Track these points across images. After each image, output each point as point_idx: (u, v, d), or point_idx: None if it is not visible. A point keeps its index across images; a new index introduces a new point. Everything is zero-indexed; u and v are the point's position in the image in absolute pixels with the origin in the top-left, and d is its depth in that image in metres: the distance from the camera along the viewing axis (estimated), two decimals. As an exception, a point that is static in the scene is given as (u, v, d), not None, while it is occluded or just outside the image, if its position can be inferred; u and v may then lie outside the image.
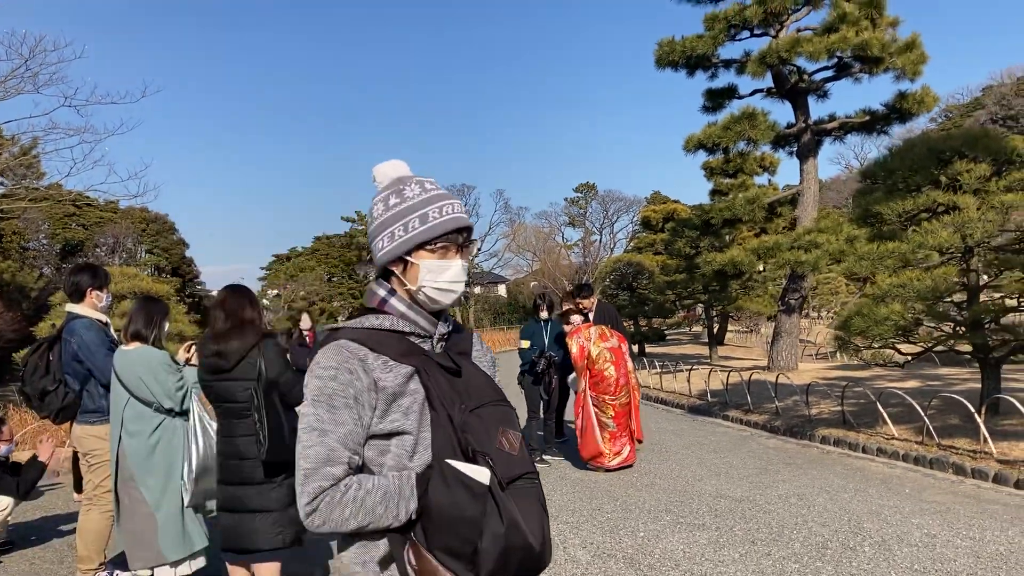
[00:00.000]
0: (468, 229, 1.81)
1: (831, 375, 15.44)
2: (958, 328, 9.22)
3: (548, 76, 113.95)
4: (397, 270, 1.78)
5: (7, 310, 26.14)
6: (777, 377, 12.47)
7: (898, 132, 21.42)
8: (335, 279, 61.85)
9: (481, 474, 1.57)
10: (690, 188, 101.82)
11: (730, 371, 14.80)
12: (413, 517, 1.61)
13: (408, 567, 1.60)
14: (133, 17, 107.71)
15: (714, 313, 24.43)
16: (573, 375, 8.67)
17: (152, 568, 4.56)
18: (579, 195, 70.45)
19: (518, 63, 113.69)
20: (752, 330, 32.16)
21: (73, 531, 5.74)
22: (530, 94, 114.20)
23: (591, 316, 9.03)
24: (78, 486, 6.06)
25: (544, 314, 9.10)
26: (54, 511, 7.43)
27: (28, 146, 16.48)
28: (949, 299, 9.30)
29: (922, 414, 8.51)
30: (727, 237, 20.62)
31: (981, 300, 9.35)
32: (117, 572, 4.99)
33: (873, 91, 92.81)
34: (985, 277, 9.44)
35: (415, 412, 1.69)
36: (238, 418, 4.16)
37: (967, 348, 9.42)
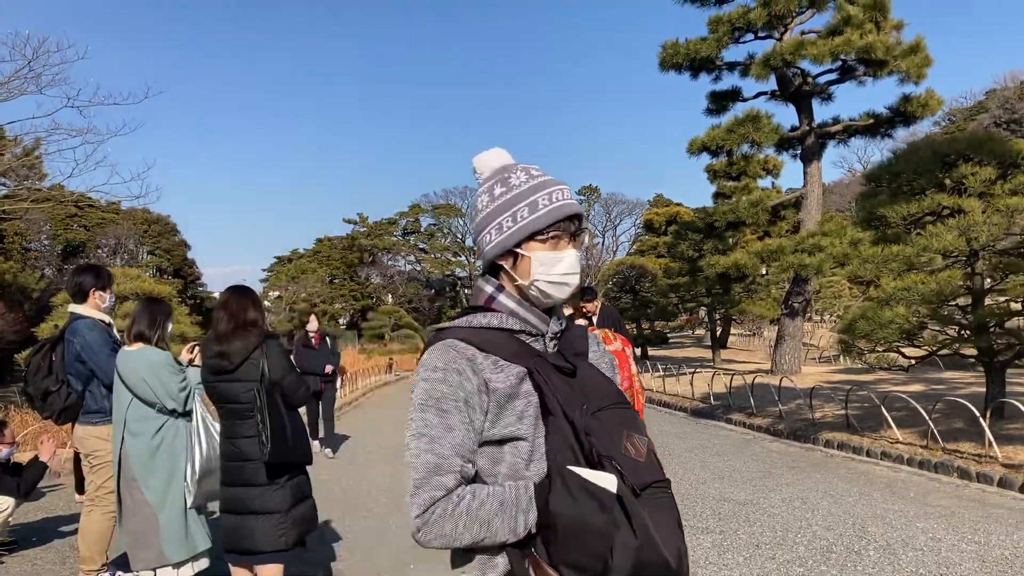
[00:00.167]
0: (580, 216, 1.68)
1: (835, 378, 15.41)
2: (963, 332, 9.18)
3: (550, 79, 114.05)
4: (506, 264, 1.66)
5: (9, 311, 26.14)
6: (781, 381, 12.44)
7: (902, 135, 21.40)
8: (336, 281, 61.90)
9: (608, 481, 1.42)
10: (693, 191, 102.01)
11: (733, 374, 14.77)
12: (532, 530, 1.48)
13: None
14: (135, 18, 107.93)
15: (717, 316, 24.39)
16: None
17: (155, 569, 4.53)
18: (582, 198, 70.43)
19: (519, 66, 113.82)
20: (755, 333, 32.12)
21: (74, 532, 5.73)
22: (531, 97, 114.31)
23: (595, 320, 8.99)
24: (79, 487, 6.05)
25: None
26: (55, 512, 7.41)
27: (31, 147, 16.48)
28: (954, 303, 9.27)
29: (926, 418, 8.47)
30: (730, 240, 20.62)
31: (986, 304, 9.32)
32: (119, 573, 4.97)
33: (877, 94, 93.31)
34: (990, 281, 9.41)
35: (530, 416, 1.56)
36: (241, 419, 4.14)
37: (972, 352, 9.39)
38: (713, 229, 18.50)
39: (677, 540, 1.49)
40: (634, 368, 8.56)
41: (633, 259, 32.00)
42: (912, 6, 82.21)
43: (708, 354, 24.76)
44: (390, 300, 56.90)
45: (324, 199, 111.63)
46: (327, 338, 10.32)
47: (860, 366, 16.89)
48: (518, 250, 1.63)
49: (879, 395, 10.13)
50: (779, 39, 16.93)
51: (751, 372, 15.20)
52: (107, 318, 5.11)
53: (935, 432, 8.37)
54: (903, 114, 16.78)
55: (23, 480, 5.83)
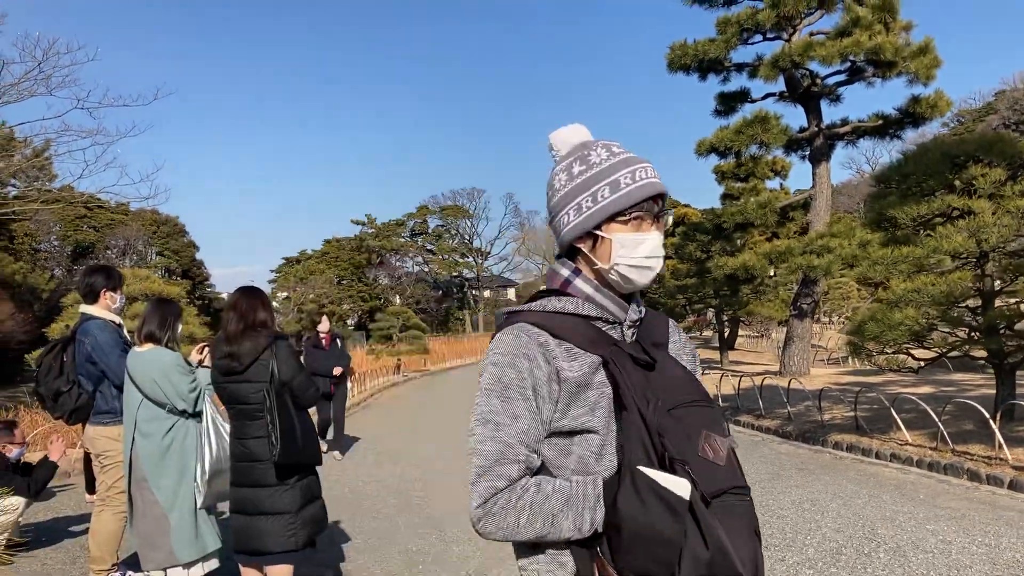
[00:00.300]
0: (664, 196, 1.58)
1: (843, 380, 15.37)
2: (972, 334, 9.15)
3: (558, 79, 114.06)
4: (584, 247, 1.57)
5: (19, 312, 26.28)
6: (789, 382, 12.41)
7: (911, 137, 21.33)
8: (344, 282, 61.99)
9: (680, 486, 1.34)
10: (701, 192, 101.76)
11: (741, 376, 14.74)
12: (599, 529, 1.41)
13: None
14: (144, 19, 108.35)
15: (725, 318, 24.35)
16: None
17: (165, 569, 4.55)
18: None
19: (527, 66, 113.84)
20: (763, 335, 32.06)
21: (85, 532, 5.75)
22: (540, 97, 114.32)
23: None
24: (90, 487, 6.07)
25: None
26: (65, 512, 7.44)
27: (41, 148, 16.57)
28: (963, 304, 9.24)
29: (936, 420, 8.44)
30: (739, 241, 20.59)
31: (996, 305, 9.28)
32: (130, 573, 4.99)
33: (886, 95, 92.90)
34: (1000, 282, 9.38)
35: (603, 408, 1.48)
36: (251, 420, 4.16)
37: (981, 354, 9.35)
38: (721, 230, 18.49)
39: (752, 550, 1.44)
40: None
41: (640, 260, 31.99)
42: (921, 7, 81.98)
43: (716, 355, 24.71)
44: (398, 301, 56.98)
45: (332, 200, 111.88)
46: (337, 339, 10.27)
47: (869, 368, 16.85)
48: (598, 232, 1.54)
49: (888, 397, 10.10)
50: (788, 40, 16.90)
51: (759, 373, 15.17)
52: (118, 319, 5.13)
53: (945, 434, 8.34)
54: (912, 115, 16.73)
55: (33, 480, 5.85)
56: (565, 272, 1.60)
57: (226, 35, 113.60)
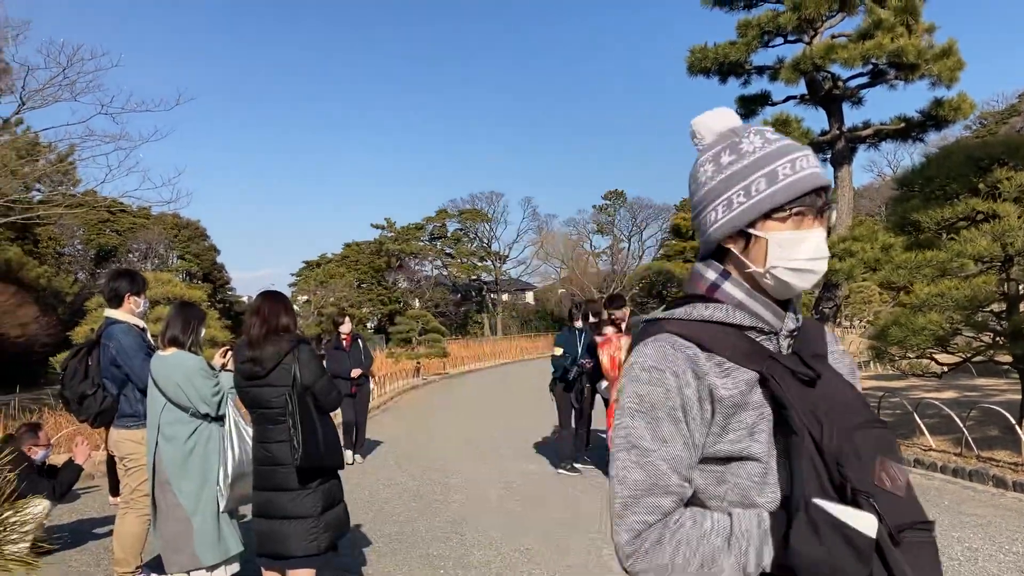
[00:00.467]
0: (827, 188, 1.39)
1: (866, 385, 15.24)
2: (997, 338, 9.05)
3: (576, 82, 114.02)
4: (735, 247, 1.39)
5: (43, 315, 26.58)
6: (811, 387, 12.30)
7: (933, 139, 21.14)
8: (364, 285, 62.20)
9: (866, 522, 1.17)
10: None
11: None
12: (766, 570, 1.25)
13: None
14: (167, 24, 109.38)
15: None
16: (605, 383, 8.62)
17: (188, 572, 4.58)
18: (608, 202, 70.28)
19: (545, 69, 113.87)
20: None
21: (108, 534, 5.80)
22: (558, 100, 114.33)
23: (623, 327, 8.96)
24: (114, 489, 6.12)
25: (579, 323, 9.07)
26: (89, 514, 7.50)
27: (65, 153, 16.76)
28: (988, 309, 9.13)
29: (960, 425, 8.36)
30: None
31: (1021, 310, 9.17)
32: (153, 575, 5.03)
33: (908, 98, 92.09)
34: (1025, 287, 9.26)
35: (763, 432, 1.31)
36: (273, 424, 4.18)
37: (1007, 358, 9.24)
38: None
39: None
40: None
41: (660, 264, 31.88)
42: (944, 10, 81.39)
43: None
44: (417, 304, 57.10)
45: (352, 204, 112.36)
46: (359, 340, 10.23)
47: (891, 372, 16.71)
48: (751, 231, 1.36)
49: (911, 402, 10.01)
50: (809, 43, 16.84)
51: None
52: (141, 323, 5.18)
53: (969, 439, 8.25)
54: (935, 118, 16.62)
55: (58, 482, 5.91)
56: (712, 275, 1.42)
57: (247, 38, 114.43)
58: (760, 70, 18.00)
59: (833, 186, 17.64)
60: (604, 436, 9.04)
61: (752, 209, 1.35)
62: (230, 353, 4.70)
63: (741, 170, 1.37)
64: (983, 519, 6.35)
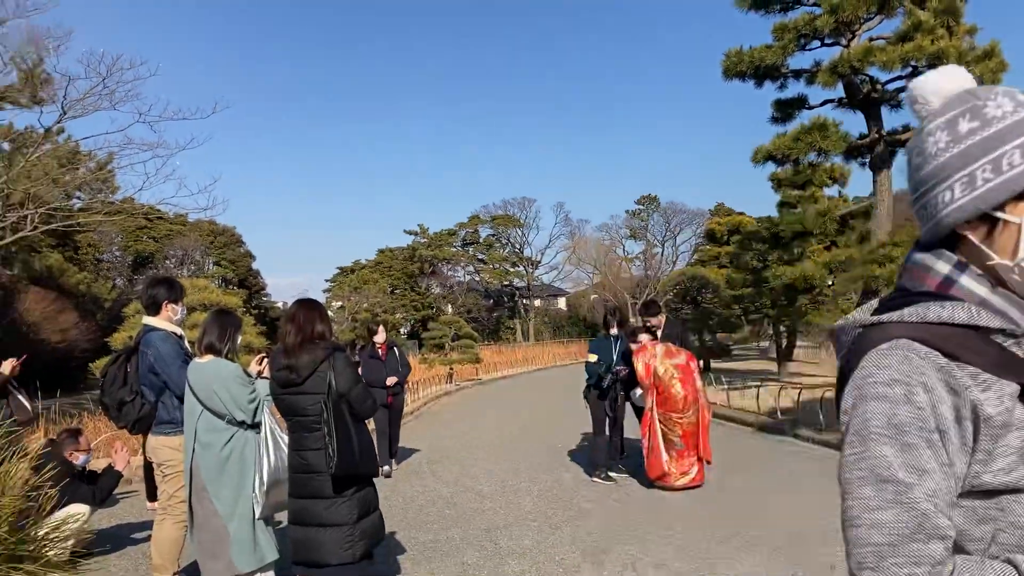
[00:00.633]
0: None
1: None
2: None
3: (608, 86, 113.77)
4: (974, 235, 1.15)
5: (82, 320, 27.00)
6: (850, 395, 12.10)
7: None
8: (397, 291, 62.50)
9: None
10: (756, 200, 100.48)
11: (801, 388, 14.46)
12: None
13: None
14: (204, 33, 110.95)
15: (782, 328, 23.95)
16: (640, 391, 8.54)
17: (224, 579, 4.59)
18: (641, 207, 70.01)
19: (577, 75, 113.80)
20: (822, 345, 31.46)
21: (147, 539, 5.83)
22: (590, 105, 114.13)
23: (659, 334, 8.88)
24: (151, 494, 6.17)
25: (614, 330, 8.98)
26: (128, 519, 7.57)
27: (104, 161, 17.01)
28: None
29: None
30: (796, 250, 20.22)
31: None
32: (189, 582, 5.04)
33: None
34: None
35: None
36: (308, 431, 4.18)
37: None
38: (779, 239, 18.17)
39: None
40: (699, 382, 8.45)
41: (694, 269, 31.65)
42: (986, 11, 79.99)
43: (773, 366, 24.32)
44: (450, 310, 57.28)
45: (385, 210, 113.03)
46: (395, 348, 10.12)
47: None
48: (999, 214, 1.12)
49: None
50: (846, 46, 16.58)
51: (819, 386, 14.85)
52: (179, 330, 5.21)
53: None
54: (977, 121, 16.28)
55: (98, 488, 5.97)
56: (944, 268, 1.18)
57: (283, 45, 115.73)
58: (797, 74, 17.75)
59: (872, 190, 17.38)
60: (639, 444, 8.95)
61: (1002, 188, 1.11)
62: (266, 360, 4.71)
63: (987, 139, 1.12)
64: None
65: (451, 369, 27.78)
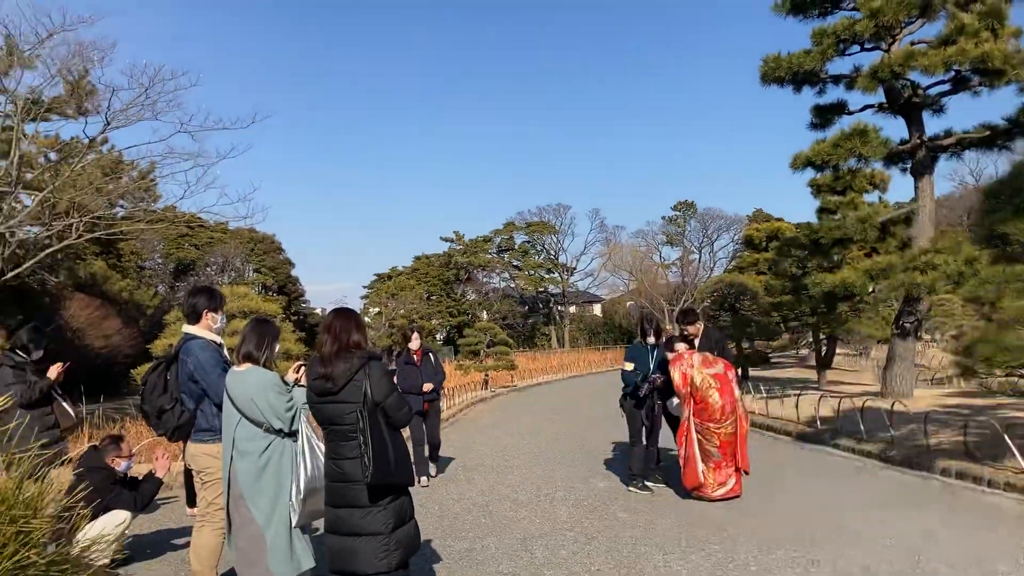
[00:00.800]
0: None
1: (949, 402, 14.67)
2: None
3: (645, 92, 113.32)
4: None
5: (125, 327, 27.47)
6: (892, 404, 11.90)
7: (1021, 147, 20.32)
8: (433, 297, 62.75)
9: None
10: (794, 206, 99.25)
11: (841, 397, 14.24)
12: None
13: None
14: (242, 45, 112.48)
15: (822, 336, 23.61)
16: (676, 400, 8.47)
17: (261, 587, 4.61)
18: (677, 213, 69.58)
19: (613, 79, 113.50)
20: (862, 353, 30.99)
21: (187, 545, 5.89)
22: (626, 111, 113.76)
23: (696, 343, 8.78)
24: (191, 501, 6.24)
25: (651, 339, 8.91)
26: (168, 525, 7.67)
27: (146, 170, 17.34)
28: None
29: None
30: (836, 257, 19.95)
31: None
32: (228, 588, 5.08)
33: (994, 105, 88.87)
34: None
35: None
36: (344, 440, 4.20)
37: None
38: (818, 246, 17.93)
39: None
40: (737, 392, 8.35)
41: (732, 276, 31.32)
42: (1029, 11, 78.33)
43: (812, 374, 23.99)
44: (485, 317, 57.33)
45: (422, 218, 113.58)
46: (430, 354, 10.01)
47: (977, 390, 16.08)
48: None
49: (1000, 421, 9.57)
50: (887, 50, 16.35)
51: (859, 395, 14.64)
52: (218, 338, 5.27)
53: (1065, 463, 7.84)
54: (1021, 125, 15.94)
55: (139, 494, 6.05)
56: None
57: (317, 54, 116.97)
58: (836, 79, 17.53)
59: (913, 196, 17.09)
60: (674, 454, 8.87)
61: None
62: (303, 368, 4.74)
63: None
64: (1082, 548, 6.00)
65: (487, 375, 27.80)
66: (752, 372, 26.62)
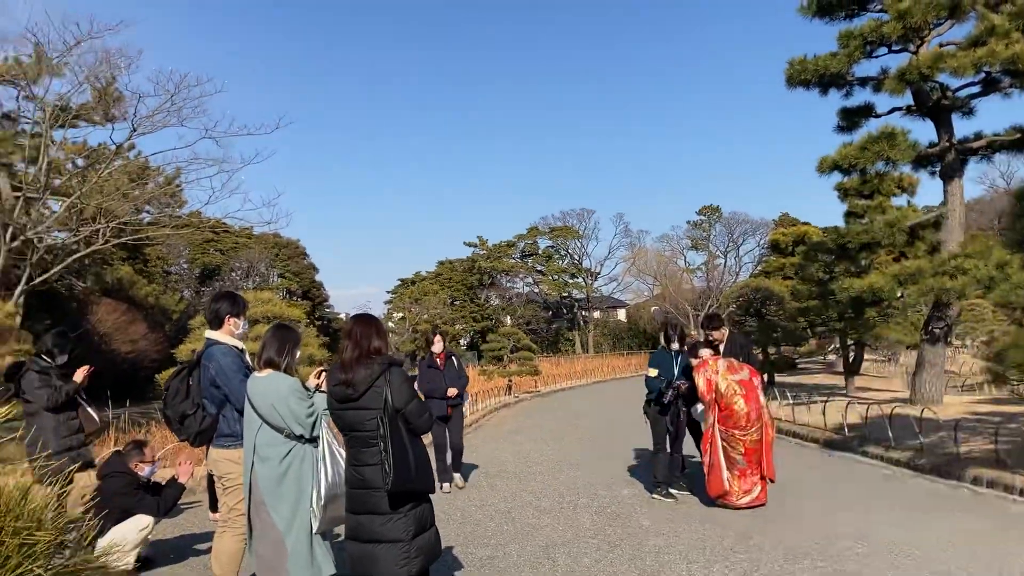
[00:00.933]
0: None
1: (980, 409, 14.42)
2: None
3: (668, 96, 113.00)
4: None
5: (151, 331, 27.72)
6: (922, 411, 11.71)
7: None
8: (457, 302, 62.86)
9: None
10: (821, 209, 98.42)
11: (869, 403, 14.04)
12: None
13: None
14: (267, 51, 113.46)
15: (850, 342, 23.33)
16: (700, 407, 8.37)
17: (282, 593, 4.60)
18: (702, 217, 69.25)
19: (637, 83, 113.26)
20: (890, 359, 30.61)
21: (209, 550, 5.89)
22: (650, 114, 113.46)
23: (721, 348, 8.68)
24: (213, 505, 6.25)
25: (675, 345, 8.82)
26: (191, 529, 7.69)
27: (172, 176, 17.49)
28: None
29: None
30: (864, 262, 19.70)
31: None
32: (249, 594, 5.07)
33: None
34: None
35: None
36: (365, 447, 4.18)
37: None
38: (846, 250, 17.71)
39: None
40: (762, 399, 8.24)
41: (758, 281, 31.05)
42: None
43: (839, 380, 23.70)
44: (508, 322, 57.35)
45: (445, 222, 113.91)
46: (453, 358, 9.88)
47: (1008, 396, 15.79)
48: None
49: (1033, 430, 9.39)
50: (915, 52, 16.13)
51: (888, 401, 14.43)
52: (240, 344, 5.27)
53: (1101, 473, 7.66)
54: (1055, 127, 15.67)
55: (162, 499, 6.07)
56: None
57: (341, 60, 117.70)
58: (863, 81, 17.31)
59: (943, 200, 16.84)
60: (697, 461, 8.77)
61: None
62: (324, 374, 4.72)
63: None
64: (1119, 560, 5.85)
65: (510, 381, 27.74)
66: (779, 378, 26.36)
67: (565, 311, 68.13)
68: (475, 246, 66.97)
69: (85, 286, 24.09)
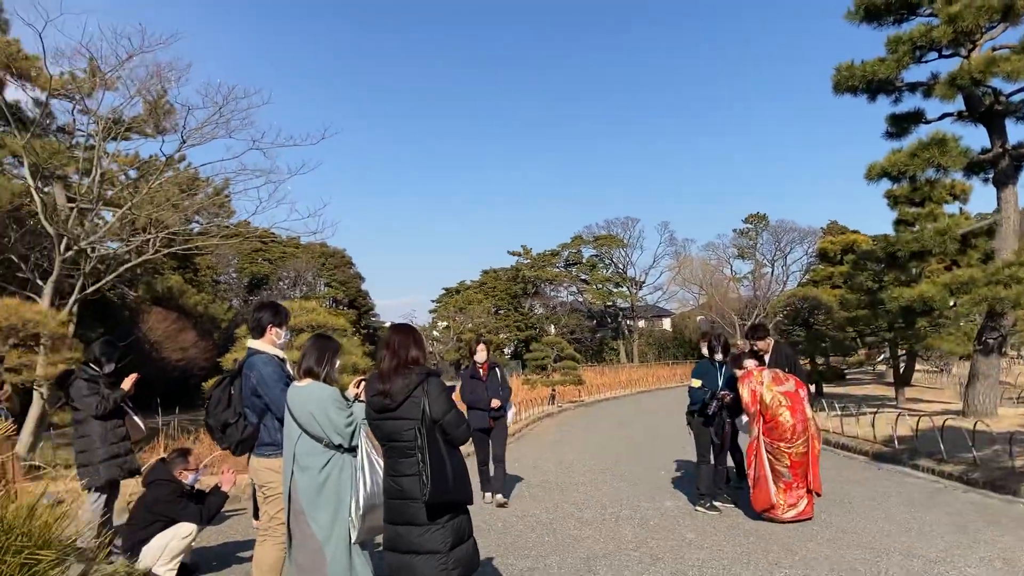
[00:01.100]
0: None
1: (1037, 423, 14.00)
2: None
3: (714, 104, 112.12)
4: None
5: (200, 340, 28.18)
6: (975, 424, 11.40)
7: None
8: (501, 312, 62.93)
9: None
10: (871, 217, 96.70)
11: (920, 416, 13.72)
12: None
13: None
14: (314, 64, 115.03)
15: (900, 352, 22.86)
16: (744, 418, 8.25)
17: (321, 603, 4.60)
18: (749, 226, 68.49)
19: (685, 90, 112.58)
20: (942, 370, 29.92)
21: (251, 558, 5.94)
22: (697, 122, 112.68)
23: (766, 359, 8.55)
24: (257, 513, 6.29)
25: (719, 356, 8.70)
26: (234, 537, 7.76)
27: (220, 187, 17.78)
28: None
29: None
30: (914, 271, 19.31)
31: None
32: (289, 603, 5.09)
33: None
34: None
35: None
36: (403, 457, 4.17)
37: None
38: (896, 259, 17.36)
39: None
40: (809, 411, 8.09)
41: (806, 290, 30.57)
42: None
43: (890, 392, 23.23)
44: (552, 331, 57.24)
45: (489, 232, 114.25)
46: (497, 369, 9.62)
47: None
48: None
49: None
50: (966, 57, 15.79)
51: (939, 413, 14.09)
52: (282, 353, 5.30)
53: None
54: (1113, 132, 15.24)
55: (205, 507, 6.14)
56: None
57: (389, 68, 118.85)
58: (912, 87, 17.00)
59: (996, 207, 16.43)
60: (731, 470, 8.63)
61: None
62: (363, 384, 4.73)
63: None
64: None
65: (554, 390, 27.66)
66: (827, 388, 25.93)
67: (609, 320, 67.80)
68: (519, 255, 67.04)
69: (137, 295, 24.60)
